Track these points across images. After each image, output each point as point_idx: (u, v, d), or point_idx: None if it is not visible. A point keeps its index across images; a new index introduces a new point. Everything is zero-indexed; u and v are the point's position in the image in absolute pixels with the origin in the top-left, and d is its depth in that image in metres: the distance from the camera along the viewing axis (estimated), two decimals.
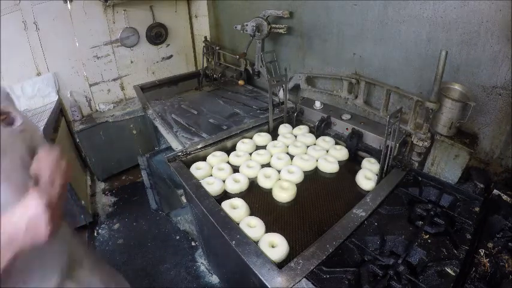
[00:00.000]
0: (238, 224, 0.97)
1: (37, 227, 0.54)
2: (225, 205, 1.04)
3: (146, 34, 2.39)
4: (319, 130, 1.48)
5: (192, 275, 1.78)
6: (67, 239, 0.78)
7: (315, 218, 1.03)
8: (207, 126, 1.64)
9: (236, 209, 1.03)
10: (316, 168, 1.29)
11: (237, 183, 1.16)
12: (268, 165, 1.31)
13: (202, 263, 1.88)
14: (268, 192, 1.16)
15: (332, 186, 1.18)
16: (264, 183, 1.18)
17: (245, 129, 1.51)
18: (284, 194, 1.11)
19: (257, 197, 1.15)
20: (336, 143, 1.41)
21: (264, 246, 0.88)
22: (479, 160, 1.15)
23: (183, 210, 2.24)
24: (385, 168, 1.12)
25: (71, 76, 2.23)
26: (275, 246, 0.89)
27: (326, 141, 1.41)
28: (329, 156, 1.31)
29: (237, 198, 1.09)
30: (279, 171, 1.24)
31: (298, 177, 1.20)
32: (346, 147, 1.37)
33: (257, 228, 0.95)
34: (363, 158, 1.29)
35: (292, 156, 1.34)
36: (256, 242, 0.90)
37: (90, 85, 2.39)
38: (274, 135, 1.51)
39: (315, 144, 1.42)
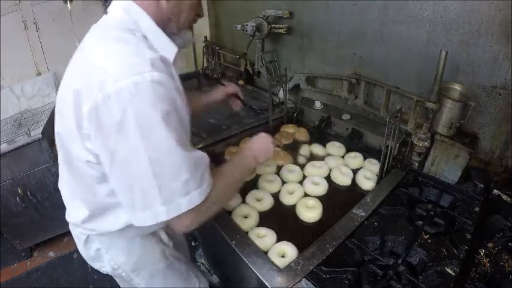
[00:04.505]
0: (247, 233, 0.94)
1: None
2: (235, 215, 1.01)
3: None
4: (319, 130, 1.48)
5: None
6: None
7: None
8: (207, 126, 1.64)
9: (246, 219, 1.00)
10: (329, 177, 1.20)
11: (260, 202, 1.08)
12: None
13: (202, 263, 1.88)
14: (290, 208, 1.08)
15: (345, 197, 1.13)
16: (287, 199, 1.10)
17: (245, 129, 1.51)
18: (310, 213, 1.01)
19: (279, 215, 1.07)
20: (365, 157, 1.28)
21: (273, 256, 0.85)
22: (479, 160, 1.15)
23: None
24: (385, 168, 1.12)
25: None
26: (285, 256, 0.86)
27: (352, 157, 1.28)
28: (344, 167, 1.21)
29: (246, 204, 1.06)
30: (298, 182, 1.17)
31: (323, 189, 1.12)
32: (345, 146, 1.36)
33: (267, 238, 0.92)
34: (363, 158, 1.28)
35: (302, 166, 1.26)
36: (266, 252, 0.87)
37: None
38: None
39: (343, 157, 1.31)
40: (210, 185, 0.69)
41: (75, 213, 0.83)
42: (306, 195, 1.11)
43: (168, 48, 0.68)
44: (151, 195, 0.61)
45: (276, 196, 1.12)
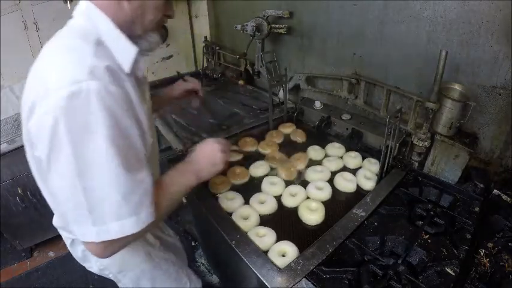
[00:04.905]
0: (246, 233, 0.93)
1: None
2: (235, 216, 1.00)
3: None
4: (319, 130, 1.48)
5: None
6: None
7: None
8: (207, 126, 1.64)
9: (246, 219, 0.99)
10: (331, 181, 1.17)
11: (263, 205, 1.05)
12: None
13: (202, 263, 1.88)
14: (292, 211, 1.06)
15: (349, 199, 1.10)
16: (288, 201, 1.08)
17: (245, 129, 1.51)
18: (313, 216, 0.99)
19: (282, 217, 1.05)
20: (362, 157, 1.27)
21: (273, 256, 0.85)
22: (479, 160, 1.15)
23: (183, 210, 2.24)
24: (385, 168, 1.12)
25: None
26: (285, 255, 0.86)
27: (352, 157, 1.27)
28: (347, 173, 1.18)
29: (246, 206, 1.05)
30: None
31: (327, 194, 1.09)
32: (345, 147, 1.36)
33: (267, 237, 0.91)
34: (363, 158, 1.28)
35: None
36: (266, 252, 0.87)
37: None
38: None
39: (341, 158, 1.30)
40: (150, 216, 0.63)
41: (55, 219, 0.85)
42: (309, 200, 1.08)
43: (126, 52, 0.64)
44: (82, 213, 0.58)
45: (278, 199, 1.10)
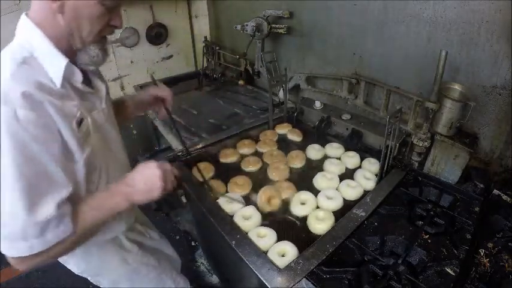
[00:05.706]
0: (247, 233, 0.93)
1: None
2: (236, 216, 0.99)
3: (146, 34, 2.39)
4: (319, 130, 1.48)
5: (192, 275, 1.78)
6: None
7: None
8: (207, 126, 1.64)
9: (246, 220, 0.98)
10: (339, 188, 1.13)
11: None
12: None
13: (202, 263, 1.88)
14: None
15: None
16: (297, 210, 1.04)
17: (245, 129, 1.51)
18: (321, 225, 0.95)
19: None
20: (362, 157, 1.26)
21: (273, 256, 0.84)
22: (479, 160, 1.15)
23: (183, 210, 2.25)
24: (385, 168, 1.12)
25: None
26: (285, 255, 0.85)
27: (350, 156, 1.27)
28: (351, 181, 1.14)
29: (248, 206, 1.04)
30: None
31: (338, 204, 1.04)
32: (345, 146, 1.36)
33: (267, 238, 0.91)
34: (363, 158, 1.28)
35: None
36: (266, 252, 0.86)
37: None
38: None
39: (339, 159, 1.29)
40: (56, 237, 0.62)
41: None
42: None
43: (57, 64, 0.64)
44: None
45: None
